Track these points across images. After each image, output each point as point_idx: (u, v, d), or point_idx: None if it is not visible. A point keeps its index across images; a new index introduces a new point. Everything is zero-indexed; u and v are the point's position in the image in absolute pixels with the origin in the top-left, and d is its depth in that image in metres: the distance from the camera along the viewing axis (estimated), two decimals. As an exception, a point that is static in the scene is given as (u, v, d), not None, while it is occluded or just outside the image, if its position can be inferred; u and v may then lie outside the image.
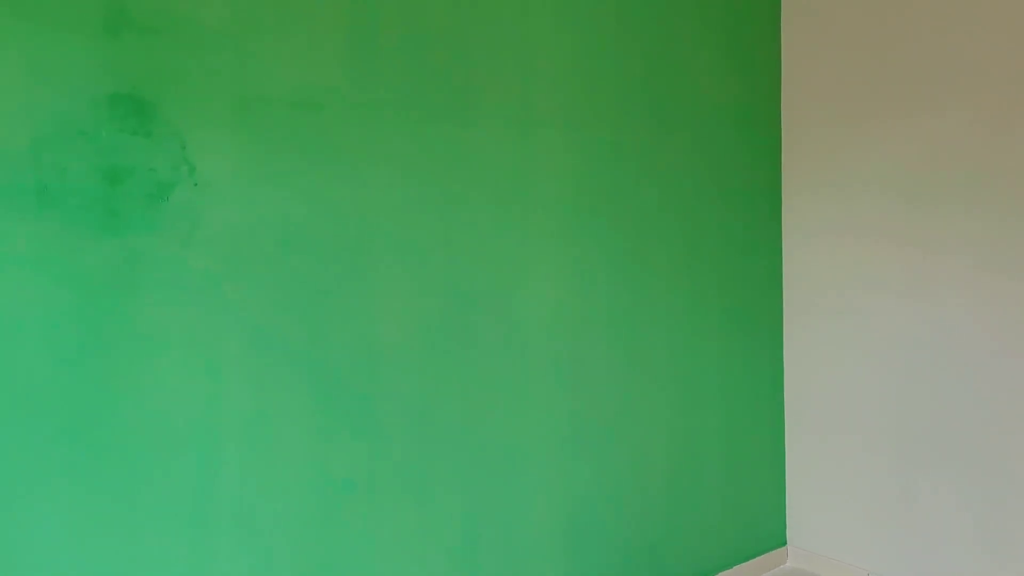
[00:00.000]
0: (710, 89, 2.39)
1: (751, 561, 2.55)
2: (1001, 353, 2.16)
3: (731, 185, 2.45)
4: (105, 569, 1.44)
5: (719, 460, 2.46)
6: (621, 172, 2.18)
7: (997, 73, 2.13)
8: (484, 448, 1.94)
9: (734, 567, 2.50)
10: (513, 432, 1.99)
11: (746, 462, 2.54)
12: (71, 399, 1.40)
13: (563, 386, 2.08)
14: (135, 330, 1.46)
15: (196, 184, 1.51)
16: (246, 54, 1.57)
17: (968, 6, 2.18)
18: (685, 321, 2.35)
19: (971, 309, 2.20)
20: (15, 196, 1.34)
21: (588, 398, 2.13)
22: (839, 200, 2.47)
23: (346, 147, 1.70)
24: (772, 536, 2.62)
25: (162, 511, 1.50)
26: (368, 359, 1.74)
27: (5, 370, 1.34)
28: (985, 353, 2.19)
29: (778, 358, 2.62)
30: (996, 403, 2.17)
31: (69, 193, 1.38)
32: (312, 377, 1.67)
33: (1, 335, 1.34)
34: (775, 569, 2.62)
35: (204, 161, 1.52)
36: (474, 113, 1.89)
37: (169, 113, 1.48)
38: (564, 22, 2.06)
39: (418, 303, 1.81)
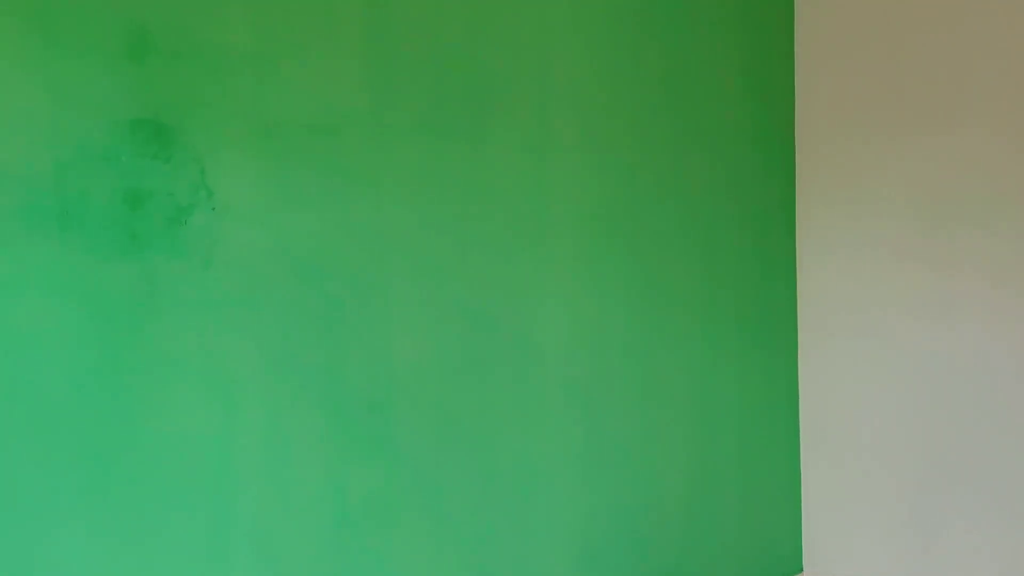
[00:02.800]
0: (725, 109, 2.39)
1: (767, 587, 2.53)
2: (1023, 374, 2.14)
3: (746, 205, 2.45)
4: (120, 591, 1.45)
5: (735, 484, 2.44)
6: (638, 193, 2.19)
7: (1016, 91, 2.12)
8: (499, 473, 1.94)
9: (750, 593, 2.48)
10: (528, 457, 1.99)
11: (762, 486, 2.52)
12: (88, 422, 1.41)
13: (578, 409, 2.08)
14: (152, 353, 1.47)
15: (214, 208, 1.52)
16: (266, 79, 1.59)
17: (987, 24, 2.18)
18: (700, 343, 2.34)
19: (992, 330, 2.18)
20: (38, 219, 1.35)
21: (604, 422, 2.13)
22: (855, 218, 2.46)
23: (364, 170, 1.71)
24: (788, 561, 2.60)
25: (177, 536, 1.50)
26: (384, 382, 1.75)
27: (24, 393, 1.36)
28: (1007, 374, 2.16)
29: (793, 380, 2.61)
30: (1018, 426, 2.15)
31: (90, 216, 1.40)
32: (328, 400, 1.67)
33: (22, 357, 1.35)
34: (791, 595, 2.59)
35: (222, 185, 1.53)
36: (491, 136, 1.91)
37: (189, 137, 1.50)
38: (582, 46, 2.07)
39: (434, 326, 1.82)
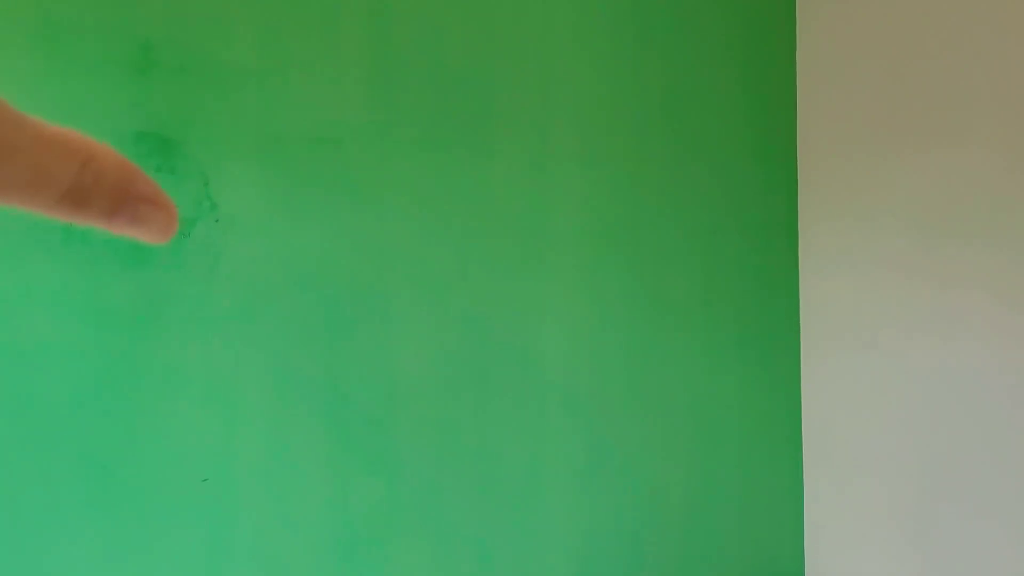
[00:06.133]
0: (727, 123, 2.40)
1: (770, 602, 2.51)
2: None
3: (747, 219, 2.46)
4: (120, 603, 1.44)
5: (736, 498, 2.43)
6: (639, 207, 2.19)
7: (1020, 105, 2.13)
8: (500, 486, 1.93)
9: (753, 608, 2.47)
10: (529, 470, 1.98)
11: (764, 499, 2.51)
12: (91, 436, 1.41)
13: (579, 422, 2.07)
14: (155, 366, 1.47)
15: (217, 220, 1.53)
16: (269, 92, 1.60)
17: (991, 38, 2.19)
18: (701, 357, 2.34)
19: (995, 344, 2.18)
20: (41, 232, 1.36)
21: (604, 435, 2.12)
22: (857, 232, 2.46)
23: (366, 183, 1.72)
24: (791, 575, 2.58)
25: (178, 550, 1.50)
26: (386, 395, 1.75)
27: (28, 404, 1.36)
28: (1010, 388, 2.16)
29: (795, 393, 2.60)
30: (1021, 440, 2.14)
31: (94, 229, 1.40)
32: (330, 414, 1.67)
33: (26, 369, 1.36)
34: (795, 610, 2.58)
35: (226, 197, 1.54)
36: (493, 149, 1.91)
37: (193, 150, 1.51)
38: (583, 60, 2.08)
39: (435, 338, 1.82)
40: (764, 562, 2.51)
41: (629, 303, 2.17)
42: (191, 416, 1.51)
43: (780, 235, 2.56)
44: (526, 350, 1.97)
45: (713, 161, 2.37)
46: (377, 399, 1.73)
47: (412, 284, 1.78)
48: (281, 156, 1.61)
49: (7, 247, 1.34)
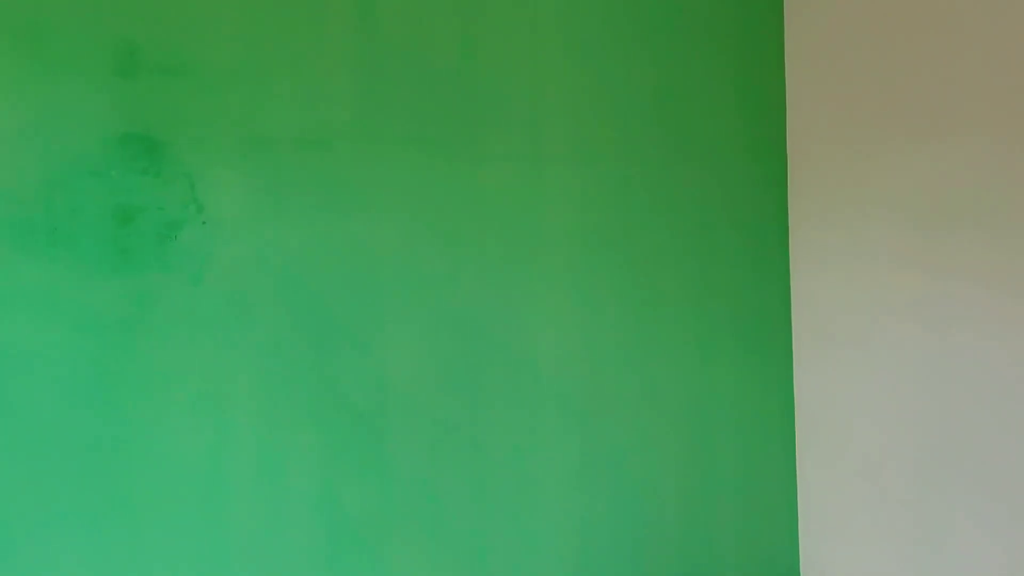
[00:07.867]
0: (717, 120, 2.40)
1: (764, 597, 2.52)
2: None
3: (739, 215, 2.46)
4: (110, 607, 1.44)
5: (731, 494, 2.43)
6: (630, 205, 2.19)
7: (1009, 95, 2.13)
8: (494, 485, 1.93)
9: (747, 603, 2.47)
10: (523, 469, 1.98)
11: (758, 495, 2.51)
12: (80, 438, 1.41)
13: (573, 420, 2.07)
14: (143, 369, 1.47)
15: (204, 223, 1.53)
16: (255, 94, 1.59)
17: (980, 28, 2.19)
18: (695, 353, 2.34)
19: (989, 336, 2.18)
20: (27, 236, 1.36)
21: (599, 433, 2.13)
22: (848, 226, 2.46)
23: (354, 185, 1.72)
24: (786, 570, 2.59)
25: (169, 552, 1.50)
26: (377, 396, 1.74)
27: (15, 410, 1.35)
28: (1005, 380, 2.16)
29: (788, 389, 2.61)
30: (1018, 434, 2.15)
31: (80, 232, 1.40)
32: (321, 415, 1.67)
33: (12, 374, 1.35)
34: (788, 605, 2.58)
35: (212, 200, 1.54)
36: (483, 150, 1.91)
37: (179, 152, 1.50)
38: (573, 60, 2.08)
39: (427, 339, 1.82)
40: (760, 558, 2.52)
41: (621, 301, 2.17)
42: (180, 419, 1.50)
43: (771, 231, 2.56)
44: (519, 349, 1.97)
45: (704, 159, 2.37)
46: (368, 400, 1.73)
47: (403, 285, 1.78)
48: (268, 158, 1.60)
49: (-8, 252, 1.34)
